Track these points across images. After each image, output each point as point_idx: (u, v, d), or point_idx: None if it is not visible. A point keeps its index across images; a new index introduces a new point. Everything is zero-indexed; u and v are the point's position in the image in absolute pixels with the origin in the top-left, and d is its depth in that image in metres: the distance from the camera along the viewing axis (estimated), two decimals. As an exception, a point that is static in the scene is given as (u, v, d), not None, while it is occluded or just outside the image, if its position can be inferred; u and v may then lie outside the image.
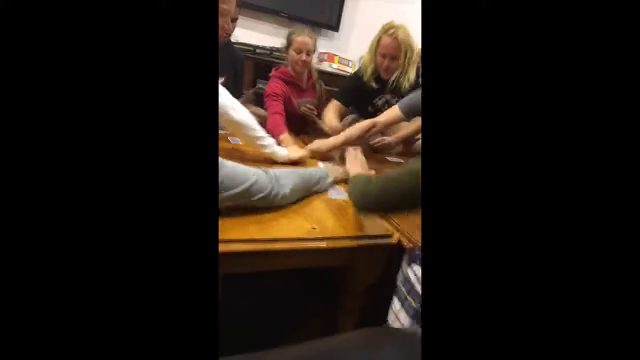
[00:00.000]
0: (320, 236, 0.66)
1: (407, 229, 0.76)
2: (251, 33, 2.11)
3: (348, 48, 2.41)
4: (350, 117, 1.59)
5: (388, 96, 1.49)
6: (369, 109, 1.51)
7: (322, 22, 2.44)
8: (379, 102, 1.51)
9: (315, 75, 1.54)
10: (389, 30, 1.31)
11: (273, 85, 1.40)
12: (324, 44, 2.54)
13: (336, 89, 1.61)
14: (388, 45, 1.31)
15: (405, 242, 0.73)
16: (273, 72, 1.46)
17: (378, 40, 1.35)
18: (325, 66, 2.34)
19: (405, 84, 1.38)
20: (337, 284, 0.82)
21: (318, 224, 0.69)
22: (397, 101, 1.32)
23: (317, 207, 0.78)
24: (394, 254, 0.73)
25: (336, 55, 2.41)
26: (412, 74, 1.36)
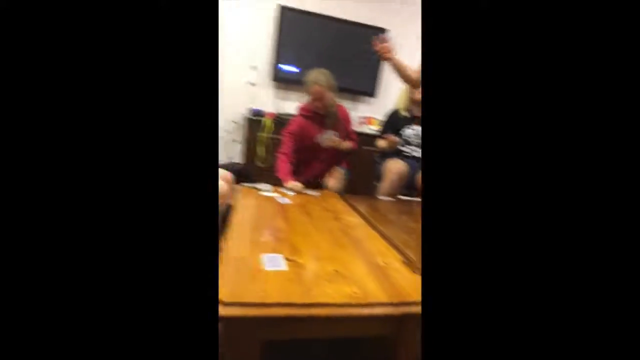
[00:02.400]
0: (363, 302, 0.63)
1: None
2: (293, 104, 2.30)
3: (385, 111, 2.52)
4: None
5: (418, 128, 1.87)
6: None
7: (360, 90, 2.61)
8: (409, 132, 1.88)
9: (332, 111, 1.81)
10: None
11: (291, 121, 1.85)
12: (363, 109, 2.68)
13: (375, 149, 1.90)
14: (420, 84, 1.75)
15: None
16: (297, 110, 1.87)
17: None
18: (365, 129, 2.44)
19: None
20: (381, 357, 0.75)
21: (359, 288, 0.67)
22: None
23: (357, 269, 0.76)
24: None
25: (374, 118, 2.51)
26: None
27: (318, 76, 1.72)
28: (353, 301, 0.63)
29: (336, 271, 0.73)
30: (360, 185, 2.17)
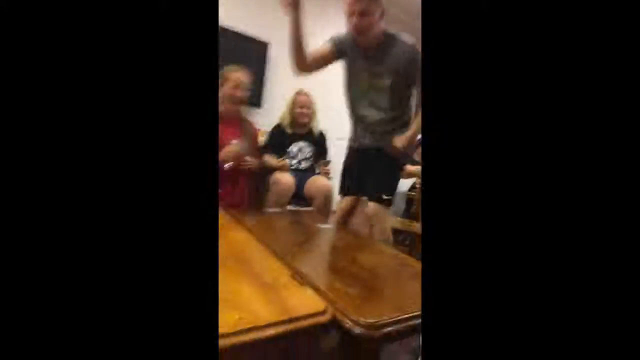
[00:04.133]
0: (249, 326, 0.60)
1: (344, 304, 0.73)
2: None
3: (271, 121, 2.54)
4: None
5: (301, 143, 1.99)
6: (284, 156, 1.95)
7: (245, 100, 2.58)
8: (294, 149, 1.97)
9: (243, 117, 1.82)
10: (301, 91, 2.00)
11: None
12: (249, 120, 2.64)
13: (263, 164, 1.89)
14: (303, 101, 1.97)
15: (340, 317, 0.70)
16: None
17: (293, 99, 1.99)
18: (251, 139, 2.40)
19: (316, 126, 2.05)
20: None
21: (245, 312, 0.63)
22: (309, 148, 1.98)
23: (243, 291, 0.72)
24: (330, 335, 0.68)
25: (260, 129, 2.50)
26: (318, 119, 2.07)
27: (234, 67, 1.68)
28: (238, 328, 0.58)
29: (220, 298, 0.67)
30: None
